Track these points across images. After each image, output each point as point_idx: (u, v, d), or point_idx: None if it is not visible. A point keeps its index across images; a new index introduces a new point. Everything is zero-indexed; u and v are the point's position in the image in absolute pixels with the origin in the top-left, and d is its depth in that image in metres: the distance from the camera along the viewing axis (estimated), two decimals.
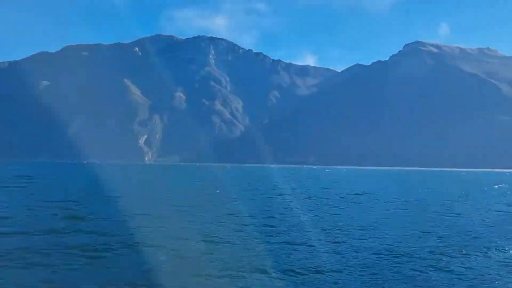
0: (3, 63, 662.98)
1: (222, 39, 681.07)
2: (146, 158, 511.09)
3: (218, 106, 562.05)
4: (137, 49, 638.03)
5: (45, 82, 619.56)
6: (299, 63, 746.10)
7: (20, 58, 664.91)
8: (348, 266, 11.92)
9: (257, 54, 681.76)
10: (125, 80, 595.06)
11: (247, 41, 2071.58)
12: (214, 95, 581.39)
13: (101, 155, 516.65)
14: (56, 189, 45.10)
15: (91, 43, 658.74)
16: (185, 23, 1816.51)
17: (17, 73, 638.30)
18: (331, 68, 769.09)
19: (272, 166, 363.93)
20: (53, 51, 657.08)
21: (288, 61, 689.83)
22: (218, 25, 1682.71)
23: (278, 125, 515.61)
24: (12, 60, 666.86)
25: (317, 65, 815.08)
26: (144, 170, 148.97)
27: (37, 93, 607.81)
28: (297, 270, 11.02)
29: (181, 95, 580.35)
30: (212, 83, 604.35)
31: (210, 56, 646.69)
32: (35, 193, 37.17)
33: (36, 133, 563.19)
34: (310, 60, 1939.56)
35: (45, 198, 31.93)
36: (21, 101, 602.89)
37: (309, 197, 38.48)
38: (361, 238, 17.04)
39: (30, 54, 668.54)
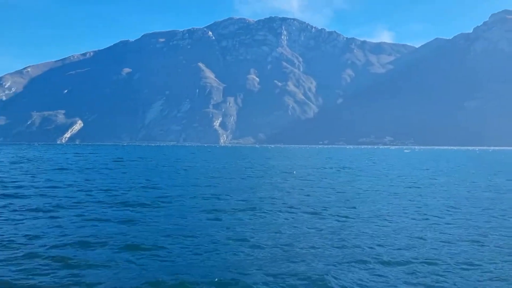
0: (88, 53, 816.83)
1: (294, 19, 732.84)
2: (221, 140, 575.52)
3: (291, 87, 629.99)
4: (210, 33, 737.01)
5: (126, 69, 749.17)
6: (374, 40, 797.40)
7: (104, 48, 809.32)
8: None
9: (330, 33, 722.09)
10: (200, 64, 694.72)
11: (319, 21, 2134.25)
12: (286, 76, 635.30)
13: (178, 138, 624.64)
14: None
15: (167, 30, 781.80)
16: (257, 5, 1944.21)
17: (101, 62, 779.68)
18: (409, 44, 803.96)
19: (348, 147, 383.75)
20: (132, 39, 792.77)
21: (362, 39, 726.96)
22: (290, 5, 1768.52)
23: (352, 105, 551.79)
24: (96, 49, 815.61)
25: (393, 42, 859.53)
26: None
27: (119, 80, 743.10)
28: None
29: (254, 77, 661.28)
30: (285, 64, 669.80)
31: (282, 37, 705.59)
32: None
33: (117, 117, 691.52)
34: (385, 37, 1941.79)
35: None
36: (104, 88, 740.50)
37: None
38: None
39: (113, 43, 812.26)
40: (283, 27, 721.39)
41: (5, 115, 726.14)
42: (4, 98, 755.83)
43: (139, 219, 17.20)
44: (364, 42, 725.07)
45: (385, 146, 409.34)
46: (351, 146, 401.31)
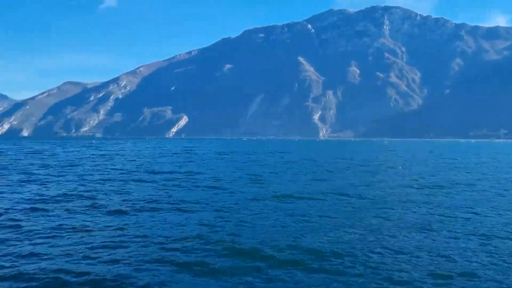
0: (193, 51, 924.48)
1: (397, 7, 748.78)
2: (321, 134, 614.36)
3: (393, 78, 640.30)
4: (309, 26, 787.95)
5: (228, 65, 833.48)
6: (487, 25, 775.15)
7: (207, 45, 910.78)
8: None
9: (437, 19, 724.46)
10: (299, 58, 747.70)
11: (425, 7, 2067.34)
12: (389, 67, 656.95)
13: (277, 132, 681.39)
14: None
15: (266, 25, 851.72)
16: None
17: (204, 59, 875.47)
18: None
19: (462, 140, 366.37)
20: (234, 36, 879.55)
21: (473, 24, 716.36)
22: None
23: (461, 96, 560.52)
24: (200, 47, 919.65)
25: (509, 25, 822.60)
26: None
27: (221, 76, 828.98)
28: None
29: (355, 69, 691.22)
30: (387, 54, 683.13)
31: (385, 27, 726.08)
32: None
33: (219, 113, 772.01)
34: (500, 20, 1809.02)
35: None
36: (207, 84, 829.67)
37: None
38: None
39: (215, 41, 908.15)
40: (385, 17, 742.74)
41: (121, 112, 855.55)
42: (120, 96, 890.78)
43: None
44: (475, 27, 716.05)
45: (499, 140, 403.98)
46: (464, 140, 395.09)
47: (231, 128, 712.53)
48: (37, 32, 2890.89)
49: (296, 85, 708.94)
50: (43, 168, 41.71)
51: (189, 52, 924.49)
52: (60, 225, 15.41)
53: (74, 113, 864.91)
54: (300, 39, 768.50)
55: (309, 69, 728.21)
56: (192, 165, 44.06)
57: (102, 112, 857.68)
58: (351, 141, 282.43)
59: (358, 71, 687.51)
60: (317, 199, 22.33)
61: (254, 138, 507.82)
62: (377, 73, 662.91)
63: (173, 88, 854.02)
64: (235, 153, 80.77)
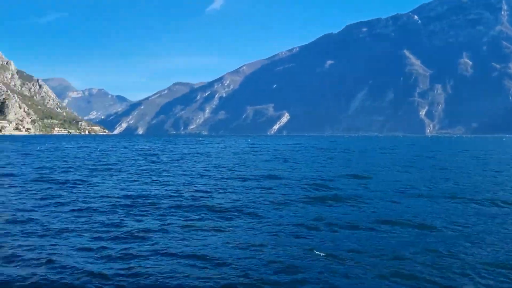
0: (294, 49, 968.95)
1: None
2: (427, 130, 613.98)
3: None
4: (416, 17, 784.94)
5: (329, 62, 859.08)
6: None
7: (308, 42, 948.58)
8: None
9: None
10: (404, 51, 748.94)
11: None
12: (507, 57, 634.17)
13: (380, 128, 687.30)
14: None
15: (370, 18, 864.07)
16: None
17: (305, 56, 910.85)
18: None
19: None
20: (335, 32, 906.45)
21: None
22: None
23: None
24: (301, 45, 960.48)
25: None
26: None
27: (322, 73, 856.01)
28: None
29: (467, 60, 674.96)
30: (505, 43, 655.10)
31: (502, 13, 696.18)
32: None
33: (320, 109, 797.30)
34: None
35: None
36: (308, 81, 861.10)
37: None
38: None
39: (317, 38, 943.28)
40: (503, 1, 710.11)
41: (225, 110, 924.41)
42: (224, 95, 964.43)
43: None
44: None
45: None
46: None
47: (332, 124, 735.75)
48: (150, 37, 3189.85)
49: (401, 79, 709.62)
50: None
51: (290, 50, 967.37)
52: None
53: (183, 112, 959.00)
54: (406, 32, 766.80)
55: (415, 63, 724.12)
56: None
57: (207, 110, 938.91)
58: (463, 138, 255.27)
59: (470, 62, 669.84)
60: None
61: (356, 135, 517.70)
62: (493, 64, 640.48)
63: (274, 86, 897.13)
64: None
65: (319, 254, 10.47)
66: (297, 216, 15.27)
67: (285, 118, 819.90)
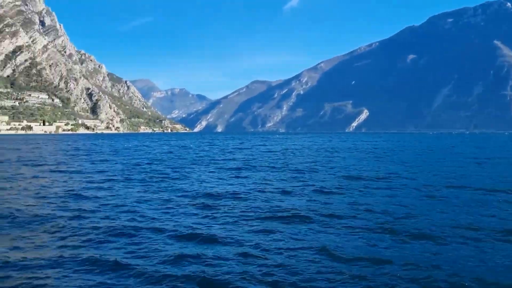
0: (374, 43, 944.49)
1: None
2: None
3: None
4: (508, 4, 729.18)
5: (411, 56, 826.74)
6: None
7: (389, 36, 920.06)
8: None
9: None
10: (495, 42, 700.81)
11: None
12: None
13: (467, 125, 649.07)
14: None
15: (456, 8, 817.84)
16: None
17: (386, 51, 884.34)
18: None
19: None
20: (418, 24, 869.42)
21: None
22: None
23: None
24: (381, 39, 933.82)
25: None
26: None
27: (403, 68, 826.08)
28: None
29: None
30: None
31: None
32: None
33: (401, 106, 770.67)
34: None
35: None
36: (388, 77, 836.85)
37: None
38: None
39: (398, 31, 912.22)
40: None
41: (302, 107, 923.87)
42: (301, 92, 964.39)
43: None
44: None
45: None
46: None
47: (413, 121, 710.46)
48: (228, 38, 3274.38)
49: (491, 72, 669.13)
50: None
51: (370, 45, 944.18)
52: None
53: (260, 109, 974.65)
54: (497, 21, 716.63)
55: (507, 54, 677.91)
56: None
57: (285, 108, 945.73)
58: None
59: None
60: None
61: (440, 132, 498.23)
62: None
63: (353, 82, 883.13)
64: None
65: None
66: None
67: (364, 115, 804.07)
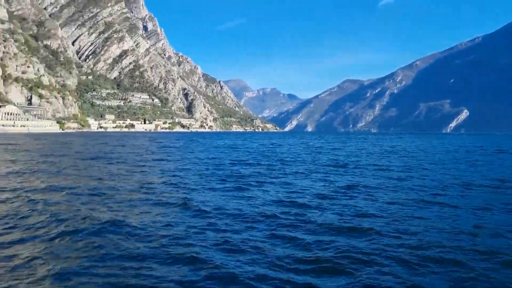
0: (476, 38, 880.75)
1: None
2: None
3: None
4: None
5: None
6: None
7: (494, 30, 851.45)
8: None
9: None
10: None
11: None
12: None
13: None
14: None
15: None
16: None
17: (488, 47, 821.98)
18: None
19: None
20: None
21: None
22: None
23: None
24: (486, 33, 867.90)
25: None
26: None
27: (508, 64, 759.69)
28: None
29: None
30: None
31: None
32: None
33: (505, 105, 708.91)
34: None
35: None
36: (491, 74, 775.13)
37: None
38: None
39: (504, 25, 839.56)
40: None
41: (396, 107, 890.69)
42: (395, 91, 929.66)
43: None
44: None
45: None
46: None
47: None
48: (320, 37, 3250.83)
49: None
50: None
51: (472, 40, 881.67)
52: None
53: (352, 109, 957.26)
54: None
55: None
56: None
57: (377, 107, 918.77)
58: None
59: None
60: None
61: None
62: None
63: (452, 80, 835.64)
64: None
65: None
66: None
67: (464, 115, 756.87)
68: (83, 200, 17.29)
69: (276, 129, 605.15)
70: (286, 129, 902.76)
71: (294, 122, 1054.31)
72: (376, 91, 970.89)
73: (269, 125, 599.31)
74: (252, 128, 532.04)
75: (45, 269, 9.06)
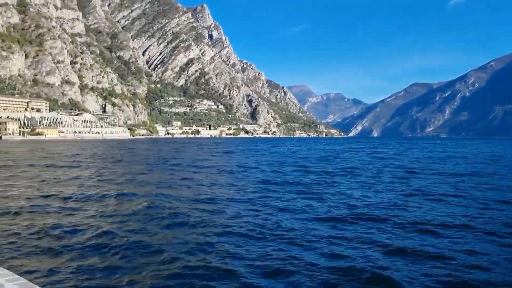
0: None
1: None
2: None
3: None
4: None
5: None
6: None
7: None
8: None
9: None
10: None
11: None
12: None
13: None
14: None
15: None
16: None
17: None
18: None
19: None
20: None
21: None
22: None
23: None
24: None
25: None
26: None
27: None
28: None
29: None
30: None
31: None
32: None
33: None
34: None
35: None
36: None
37: None
38: None
39: None
40: None
41: (467, 111, 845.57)
42: (467, 94, 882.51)
43: None
44: None
45: None
46: None
47: None
48: (386, 40, 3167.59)
49: None
50: None
51: None
52: None
53: (419, 113, 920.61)
54: None
55: None
56: None
57: (447, 111, 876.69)
58: None
59: None
60: None
61: None
62: None
63: None
64: None
65: None
66: None
67: None
68: None
69: (341, 134, 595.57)
70: (351, 134, 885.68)
71: (359, 127, 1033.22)
72: (446, 94, 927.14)
73: (333, 131, 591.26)
74: (315, 133, 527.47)
75: None
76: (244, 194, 20.82)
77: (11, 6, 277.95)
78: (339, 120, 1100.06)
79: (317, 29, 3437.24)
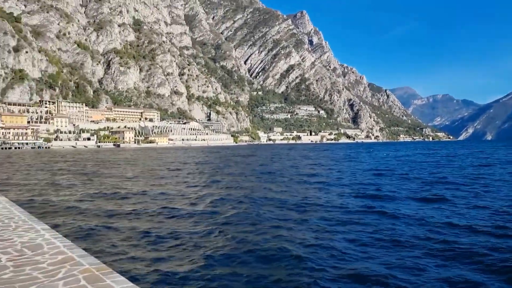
0: None
1: None
2: None
3: None
4: None
5: None
6: None
7: None
8: None
9: None
10: None
11: None
12: None
13: None
14: None
15: None
16: None
17: None
18: None
19: None
20: None
21: None
22: None
23: None
24: None
25: None
26: None
27: None
28: None
29: None
30: None
31: None
32: None
33: None
34: None
35: None
36: None
37: None
38: None
39: None
40: None
41: None
42: None
43: None
44: None
45: None
46: None
47: None
48: (499, 36, 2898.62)
49: None
50: None
51: None
52: None
53: None
54: None
55: None
56: None
57: None
58: None
59: None
60: None
61: None
62: None
63: None
64: None
65: None
66: None
67: None
68: None
69: (449, 138, 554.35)
70: (461, 137, 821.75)
71: (470, 130, 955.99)
72: None
73: (440, 134, 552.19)
74: (421, 137, 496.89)
75: None
76: None
77: (128, 26, 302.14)
78: (447, 123, 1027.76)
79: (422, 29, 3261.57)
